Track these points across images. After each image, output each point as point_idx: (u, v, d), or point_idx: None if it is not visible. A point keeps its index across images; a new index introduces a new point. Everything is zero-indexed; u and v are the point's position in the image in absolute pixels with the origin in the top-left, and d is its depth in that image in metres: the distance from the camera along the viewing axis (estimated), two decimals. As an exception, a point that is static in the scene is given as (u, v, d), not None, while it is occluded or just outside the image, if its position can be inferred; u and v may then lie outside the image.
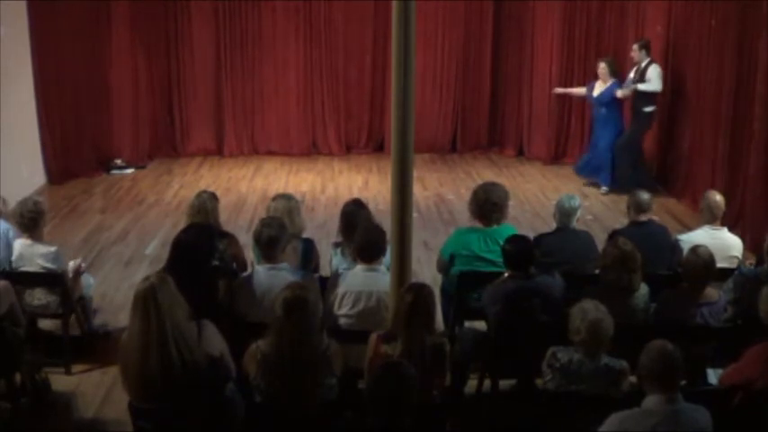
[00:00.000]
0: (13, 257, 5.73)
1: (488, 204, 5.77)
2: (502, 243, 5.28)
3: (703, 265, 4.93)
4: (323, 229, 8.29)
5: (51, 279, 5.69)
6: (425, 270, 7.16)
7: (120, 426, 4.75)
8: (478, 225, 5.84)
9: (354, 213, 5.69)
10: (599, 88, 10.37)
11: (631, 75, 10.10)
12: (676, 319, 4.92)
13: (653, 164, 10.72)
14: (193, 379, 3.93)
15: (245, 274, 5.42)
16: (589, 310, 4.18)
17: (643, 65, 9.95)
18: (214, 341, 4.16)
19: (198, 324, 4.13)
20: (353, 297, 4.93)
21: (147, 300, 3.93)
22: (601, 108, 10.34)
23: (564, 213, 5.95)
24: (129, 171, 11.16)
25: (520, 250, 5.07)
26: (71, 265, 5.93)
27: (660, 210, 8.63)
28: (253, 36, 11.92)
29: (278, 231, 5.07)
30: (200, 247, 5.06)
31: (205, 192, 6.06)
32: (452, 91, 12.40)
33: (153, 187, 10.54)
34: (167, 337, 3.91)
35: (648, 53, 9.98)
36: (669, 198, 9.99)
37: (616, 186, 10.04)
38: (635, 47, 10.08)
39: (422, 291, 4.24)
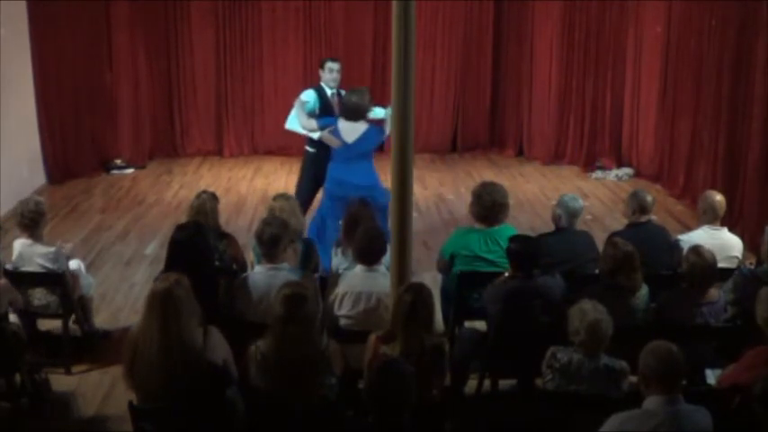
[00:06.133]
0: (13, 257, 5.73)
1: (496, 206, 5.70)
2: (504, 242, 5.26)
3: (707, 267, 4.92)
4: (323, 230, 8.29)
5: (51, 279, 5.68)
6: (425, 270, 7.16)
7: (121, 426, 4.75)
8: (478, 225, 5.84)
9: (358, 214, 5.69)
10: (350, 130, 6.90)
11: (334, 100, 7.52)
12: (676, 319, 4.92)
13: (653, 164, 10.72)
14: (195, 383, 3.92)
15: (244, 274, 5.42)
16: (588, 311, 4.18)
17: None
18: (219, 348, 4.14)
19: (204, 329, 4.11)
20: (353, 297, 4.93)
21: (164, 300, 3.91)
22: (362, 161, 6.99)
23: (571, 214, 5.91)
24: (129, 171, 11.15)
25: (525, 251, 5.05)
26: (63, 251, 5.88)
27: (660, 210, 8.63)
28: (253, 36, 11.91)
29: (280, 230, 5.06)
30: (196, 243, 5.02)
31: (205, 192, 6.04)
32: (452, 91, 12.40)
33: (153, 187, 10.54)
34: (179, 339, 3.90)
35: None
36: (668, 198, 10.00)
37: None
38: (338, 66, 7.54)
39: (420, 291, 4.23)
